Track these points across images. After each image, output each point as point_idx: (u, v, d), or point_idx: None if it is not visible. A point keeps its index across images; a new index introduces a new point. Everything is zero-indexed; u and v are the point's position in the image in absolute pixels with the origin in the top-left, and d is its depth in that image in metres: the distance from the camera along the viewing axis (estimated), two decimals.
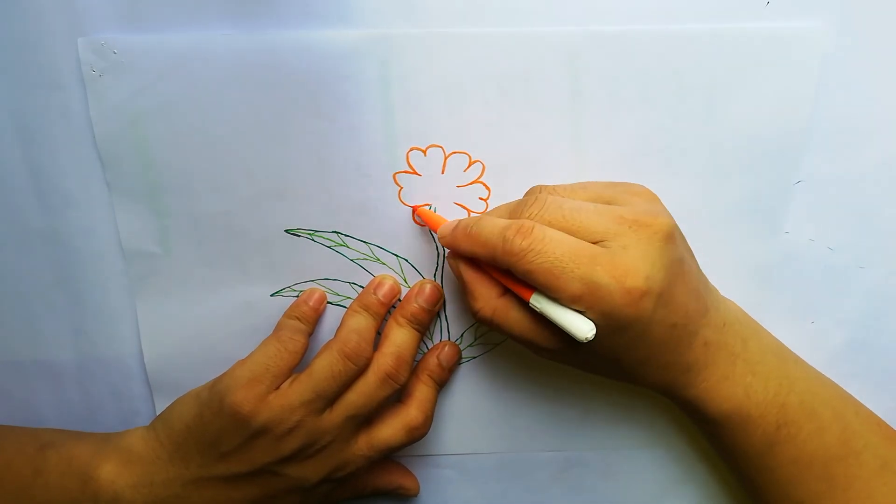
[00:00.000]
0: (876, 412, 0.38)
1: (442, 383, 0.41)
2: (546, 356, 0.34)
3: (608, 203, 0.32)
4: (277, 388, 0.36)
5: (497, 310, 0.33)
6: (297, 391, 0.35)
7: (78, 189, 0.37)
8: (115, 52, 0.34)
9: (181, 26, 0.34)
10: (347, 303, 0.40)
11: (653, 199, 0.33)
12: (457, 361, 0.41)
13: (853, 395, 0.38)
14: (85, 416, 0.43)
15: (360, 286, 0.39)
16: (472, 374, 0.42)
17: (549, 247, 0.29)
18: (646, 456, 0.44)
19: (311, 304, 0.39)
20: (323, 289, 0.39)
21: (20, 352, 0.41)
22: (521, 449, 0.44)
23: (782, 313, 0.40)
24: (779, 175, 0.37)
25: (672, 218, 0.32)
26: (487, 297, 0.33)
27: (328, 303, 0.40)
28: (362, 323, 0.37)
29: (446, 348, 0.40)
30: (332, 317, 0.40)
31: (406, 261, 0.39)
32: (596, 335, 0.30)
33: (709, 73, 0.35)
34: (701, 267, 0.35)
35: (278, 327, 0.38)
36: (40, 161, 0.37)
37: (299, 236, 0.38)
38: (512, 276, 0.31)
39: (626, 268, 0.29)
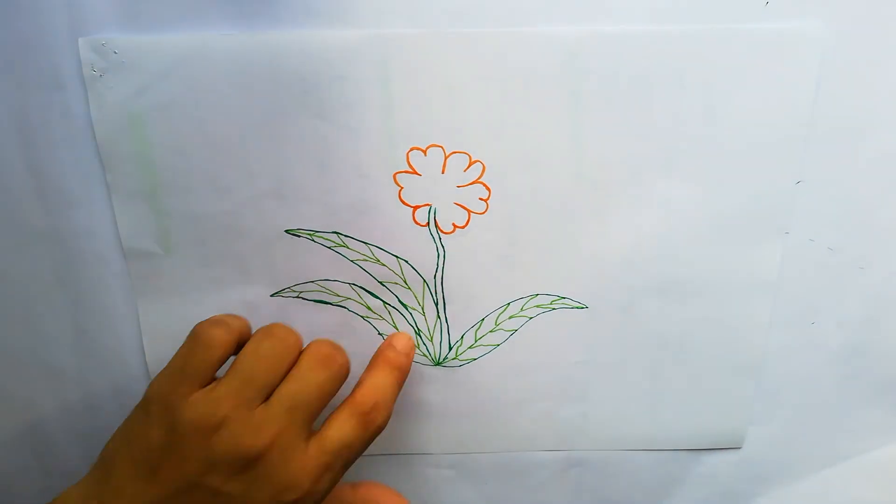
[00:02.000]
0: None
1: (401, 369, 0.36)
2: None
3: None
4: (202, 384, 0.32)
5: None
6: (223, 381, 0.32)
7: (78, 189, 0.37)
8: (115, 52, 0.34)
9: (181, 26, 0.34)
10: (347, 304, 0.40)
11: None
12: (413, 346, 0.38)
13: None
14: (86, 415, 0.43)
15: (361, 287, 0.39)
16: (472, 374, 0.42)
17: None
18: (646, 456, 0.44)
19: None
20: (322, 290, 0.39)
21: (21, 351, 0.41)
22: (521, 449, 0.44)
23: (782, 315, 0.40)
24: (778, 175, 0.37)
25: None
26: None
27: (328, 303, 0.40)
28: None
29: (399, 335, 0.38)
30: (332, 318, 0.40)
31: (406, 262, 0.39)
32: None
33: (708, 73, 0.35)
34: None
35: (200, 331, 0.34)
36: (41, 161, 0.37)
37: (299, 237, 0.38)
38: None
39: None
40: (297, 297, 0.40)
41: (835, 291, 0.40)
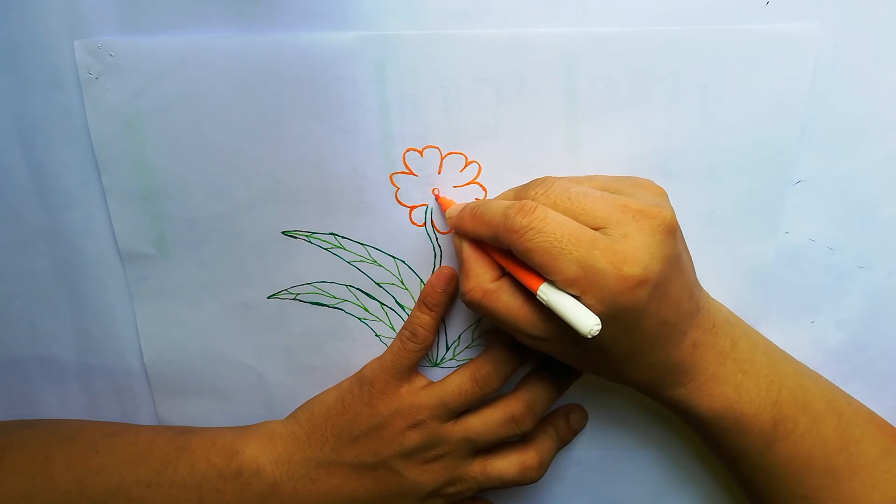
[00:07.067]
0: (876, 412, 0.38)
1: (564, 443, 0.42)
2: (530, 343, 0.34)
3: (614, 193, 0.32)
4: (409, 381, 0.38)
5: (488, 292, 0.33)
6: (427, 394, 0.38)
7: (78, 189, 0.37)
8: (111, 55, 0.34)
9: (178, 29, 0.34)
10: (344, 305, 0.40)
11: (659, 193, 0.33)
12: (583, 427, 0.43)
13: (853, 394, 0.38)
14: (87, 414, 0.43)
15: (358, 288, 0.39)
16: None
17: (549, 227, 0.29)
18: (646, 456, 0.44)
19: (439, 289, 0.38)
20: (319, 292, 0.39)
21: (22, 351, 0.41)
22: None
23: (782, 313, 0.40)
24: (776, 175, 0.37)
25: (674, 214, 0.32)
26: (482, 279, 0.33)
27: (325, 305, 0.40)
28: (497, 355, 0.38)
29: (577, 411, 0.42)
30: (329, 320, 0.40)
31: (403, 262, 0.39)
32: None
33: (704, 74, 0.35)
34: (700, 268, 0.35)
35: (406, 322, 0.39)
36: (40, 161, 0.37)
37: (296, 238, 0.38)
38: (518, 264, 0.31)
39: (625, 255, 0.29)
40: (294, 299, 0.40)
41: (834, 290, 0.40)
